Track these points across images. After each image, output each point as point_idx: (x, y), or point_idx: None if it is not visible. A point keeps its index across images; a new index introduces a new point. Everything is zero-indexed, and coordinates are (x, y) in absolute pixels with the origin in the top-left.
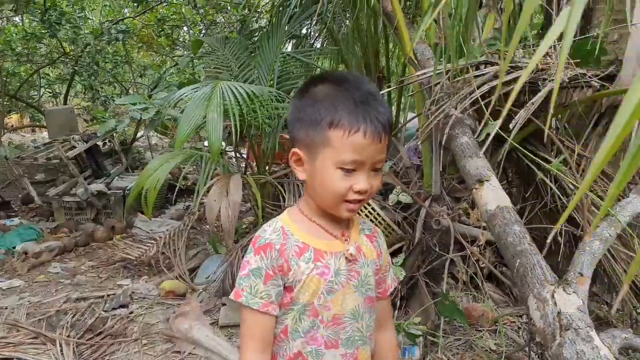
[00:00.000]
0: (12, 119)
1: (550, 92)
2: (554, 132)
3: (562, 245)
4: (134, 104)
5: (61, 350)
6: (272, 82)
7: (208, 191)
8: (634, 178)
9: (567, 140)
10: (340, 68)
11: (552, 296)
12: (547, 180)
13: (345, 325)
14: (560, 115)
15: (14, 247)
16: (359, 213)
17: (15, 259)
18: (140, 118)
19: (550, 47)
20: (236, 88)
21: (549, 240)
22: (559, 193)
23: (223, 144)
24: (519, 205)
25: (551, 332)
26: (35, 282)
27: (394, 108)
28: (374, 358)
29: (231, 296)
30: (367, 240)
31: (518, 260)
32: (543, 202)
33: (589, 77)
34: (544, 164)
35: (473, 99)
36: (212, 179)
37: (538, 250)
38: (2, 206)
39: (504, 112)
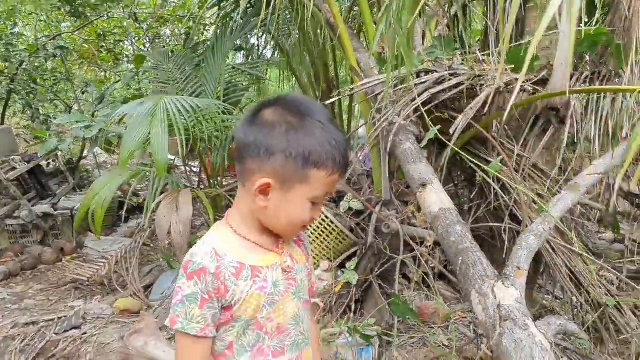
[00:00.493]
0: None
1: (487, 97)
2: (496, 134)
3: (506, 242)
4: (76, 122)
5: None
6: (219, 94)
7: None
8: (568, 174)
9: (507, 142)
10: (291, 80)
11: (492, 290)
12: (490, 181)
13: (289, 332)
14: (499, 119)
15: None
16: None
17: None
18: (84, 137)
19: (487, 55)
20: (180, 102)
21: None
22: (501, 193)
23: (175, 158)
24: (467, 206)
25: (492, 323)
26: None
27: (345, 116)
28: None
29: (167, 323)
30: (296, 246)
31: (460, 258)
32: (487, 201)
33: (524, 81)
34: (484, 166)
35: (415, 106)
36: (162, 194)
37: (479, 248)
38: None
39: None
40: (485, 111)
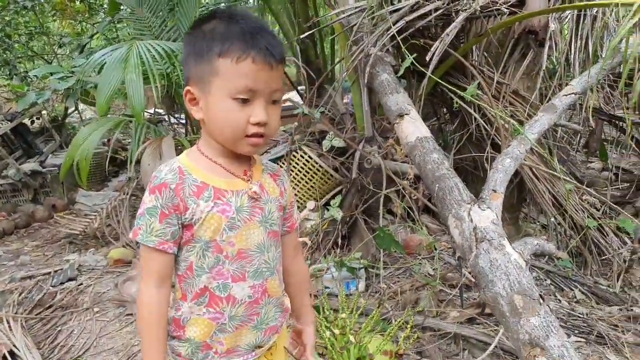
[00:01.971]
0: None
1: (464, 22)
2: (475, 62)
3: (489, 171)
4: (51, 74)
5: (9, 327)
6: None
7: None
8: (549, 99)
9: (487, 69)
10: (269, 18)
11: (469, 214)
12: (470, 110)
13: (251, 259)
14: (477, 45)
15: None
16: (295, 163)
17: None
18: (66, 88)
19: None
20: (153, 47)
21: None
22: (482, 121)
23: (159, 111)
24: (450, 137)
25: (468, 246)
26: None
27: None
28: (292, 285)
29: (130, 235)
30: (270, 178)
31: (437, 185)
32: (469, 131)
33: (500, 4)
34: (461, 92)
35: (390, 35)
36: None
37: (456, 174)
38: None
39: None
40: (463, 38)
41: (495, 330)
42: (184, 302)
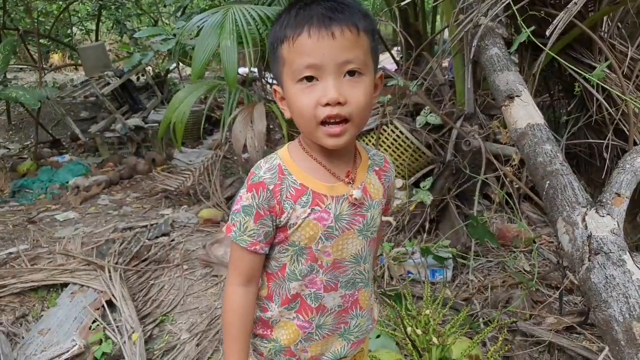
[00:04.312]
0: (54, 58)
1: None
2: (605, 35)
3: (607, 161)
4: (154, 36)
5: (110, 276)
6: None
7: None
8: None
9: (619, 43)
10: None
11: (583, 219)
12: (593, 90)
13: (346, 269)
14: (610, 15)
15: (67, 182)
16: (385, 138)
17: (68, 193)
18: (160, 50)
19: None
20: (249, 12)
21: None
22: (606, 104)
23: (255, 70)
24: (564, 119)
25: (579, 256)
26: (87, 213)
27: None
28: None
29: (223, 229)
30: (376, 176)
31: (547, 182)
32: (588, 114)
33: None
34: (586, 74)
35: (505, 3)
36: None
37: (571, 170)
38: (53, 144)
39: None
40: (592, 7)
41: (599, 346)
42: (271, 303)
